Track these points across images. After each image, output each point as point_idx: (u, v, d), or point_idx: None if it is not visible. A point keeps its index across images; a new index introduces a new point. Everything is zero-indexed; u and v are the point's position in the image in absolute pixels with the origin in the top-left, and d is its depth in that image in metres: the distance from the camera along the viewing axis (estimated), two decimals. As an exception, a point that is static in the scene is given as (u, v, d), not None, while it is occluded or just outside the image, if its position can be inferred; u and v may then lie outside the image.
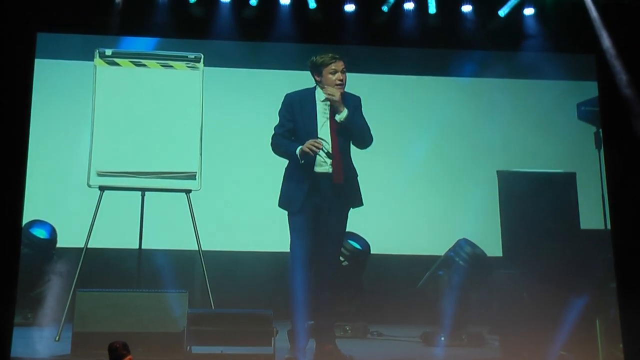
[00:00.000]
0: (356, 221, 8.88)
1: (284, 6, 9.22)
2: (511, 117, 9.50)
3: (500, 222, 8.97)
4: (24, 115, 8.61)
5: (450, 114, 9.43)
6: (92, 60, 8.91)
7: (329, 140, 8.42)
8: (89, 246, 8.43)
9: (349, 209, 8.46)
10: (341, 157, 8.43)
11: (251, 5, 9.17)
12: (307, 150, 8.30)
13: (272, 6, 9.20)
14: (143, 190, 8.69)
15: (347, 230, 8.82)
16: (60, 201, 8.68)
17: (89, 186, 8.62)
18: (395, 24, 9.38)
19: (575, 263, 8.86)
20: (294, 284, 8.32)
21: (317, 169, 8.40)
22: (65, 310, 8.24)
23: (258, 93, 8.95)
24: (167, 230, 8.69)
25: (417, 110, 9.49)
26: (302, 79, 8.94)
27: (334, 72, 8.52)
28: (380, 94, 9.47)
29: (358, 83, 9.27)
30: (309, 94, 8.59)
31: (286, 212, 8.36)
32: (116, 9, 8.90)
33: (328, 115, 8.50)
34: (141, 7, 8.99)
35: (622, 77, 9.17)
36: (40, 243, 8.62)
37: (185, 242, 8.64)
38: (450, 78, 9.64)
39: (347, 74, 8.53)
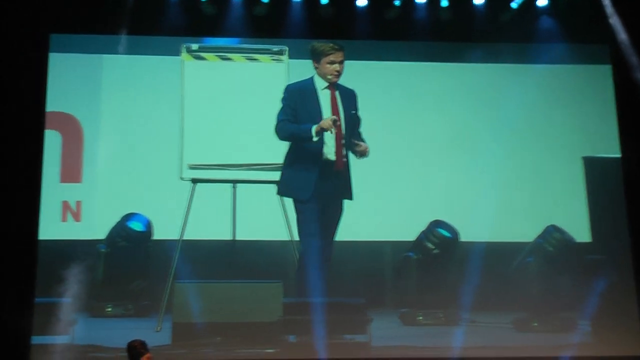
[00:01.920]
0: (445, 209, 8.99)
1: (296, 2, 9.28)
2: (589, 103, 9.52)
3: (588, 207, 9.02)
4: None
5: (525, 102, 9.42)
6: (179, 55, 9.05)
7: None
8: (184, 238, 8.57)
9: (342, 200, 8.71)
10: (343, 145, 8.66)
11: (263, 3, 9.21)
12: (327, 126, 8.54)
13: (284, 2, 9.26)
14: (234, 182, 8.80)
15: (435, 218, 8.97)
16: (154, 194, 8.80)
17: (182, 179, 8.76)
18: (407, 17, 9.39)
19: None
20: (310, 271, 8.50)
21: (323, 157, 8.62)
22: (164, 301, 8.39)
23: (344, 82, 9.02)
24: (260, 221, 8.79)
25: (491, 99, 9.49)
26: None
27: (332, 62, 8.78)
28: (456, 83, 9.49)
29: (423, 71, 9.38)
30: (309, 83, 8.81)
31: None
32: (127, 9, 8.97)
33: (330, 103, 8.71)
34: (152, 6, 9.08)
35: (636, 62, 9.16)
36: (136, 236, 8.73)
37: (277, 233, 8.73)
38: (525, 65, 9.62)
39: (409, 63, 9.03)
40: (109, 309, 8.55)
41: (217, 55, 9.15)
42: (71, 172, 8.80)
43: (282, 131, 8.72)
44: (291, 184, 8.66)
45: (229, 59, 9.17)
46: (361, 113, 8.93)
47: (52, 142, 8.85)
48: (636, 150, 9.16)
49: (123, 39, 9.02)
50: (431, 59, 9.47)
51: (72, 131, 8.91)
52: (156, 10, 9.12)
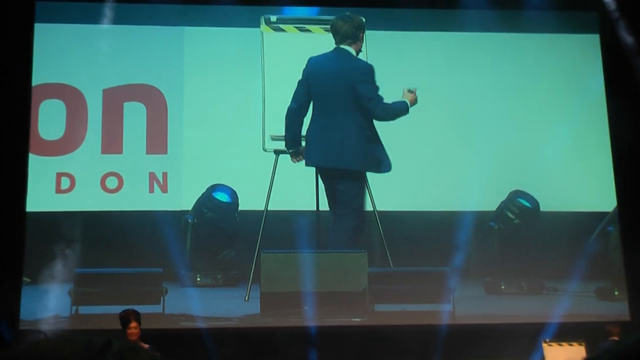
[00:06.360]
0: (526, 179, 9.04)
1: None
2: None
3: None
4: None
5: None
6: (258, 26, 9.09)
7: None
8: (269, 209, 8.67)
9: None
10: None
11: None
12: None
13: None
14: (317, 153, 8.88)
15: (516, 188, 9.05)
16: (239, 165, 8.89)
17: (264, 150, 8.85)
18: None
19: None
20: None
21: None
22: (252, 271, 8.51)
23: (423, 54, 9.07)
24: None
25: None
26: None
27: None
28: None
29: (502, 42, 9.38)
30: None
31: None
32: None
33: None
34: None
35: (624, 26, 9.14)
36: (223, 206, 8.85)
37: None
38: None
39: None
40: (199, 279, 8.69)
41: (295, 27, 9.19)
42: (157, 144, 8.91)
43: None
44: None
45: (307, 30, 9.21)
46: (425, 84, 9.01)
47: (137, 114, 8.96)
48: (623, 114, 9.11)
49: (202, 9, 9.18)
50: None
51: (156, 103, 9.01)
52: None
